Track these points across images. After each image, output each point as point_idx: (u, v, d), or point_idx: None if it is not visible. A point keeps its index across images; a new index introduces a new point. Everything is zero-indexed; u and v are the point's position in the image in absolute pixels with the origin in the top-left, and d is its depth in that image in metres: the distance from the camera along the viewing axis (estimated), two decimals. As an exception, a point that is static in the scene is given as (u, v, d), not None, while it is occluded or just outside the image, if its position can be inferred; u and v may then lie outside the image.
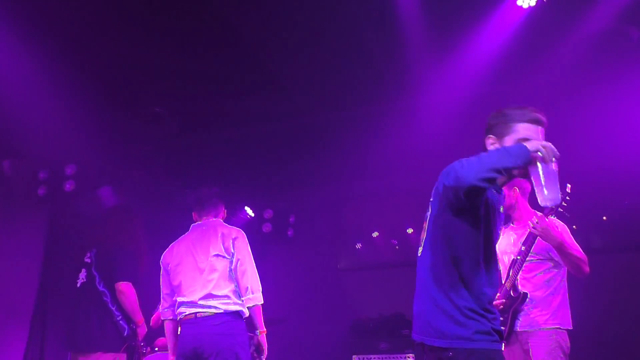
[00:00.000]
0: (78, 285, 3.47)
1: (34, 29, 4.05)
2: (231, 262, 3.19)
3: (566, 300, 3.27)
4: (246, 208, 6.64)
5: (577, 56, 4.26)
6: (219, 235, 3.24)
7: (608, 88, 4.65)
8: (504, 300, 3.22)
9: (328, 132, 5.57)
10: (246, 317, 3.22)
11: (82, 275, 3.47)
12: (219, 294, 3.12)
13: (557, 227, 3.22)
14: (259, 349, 3.18)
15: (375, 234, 6.83)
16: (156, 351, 5.26)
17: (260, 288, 3.19)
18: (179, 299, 3.21)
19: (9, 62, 4.20)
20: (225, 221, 3.55)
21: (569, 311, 3.25)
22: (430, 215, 2.16)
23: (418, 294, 2.14)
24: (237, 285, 3.17)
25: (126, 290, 3.34)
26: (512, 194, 3.41)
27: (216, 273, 3.16)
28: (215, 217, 3.46)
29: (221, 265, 3.18)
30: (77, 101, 4.69)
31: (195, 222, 3.48)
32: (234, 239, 3.23)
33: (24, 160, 5.30)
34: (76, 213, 5.37)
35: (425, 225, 2.20)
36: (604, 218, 6.03)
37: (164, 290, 3.34)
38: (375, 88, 4.85)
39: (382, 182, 6.54)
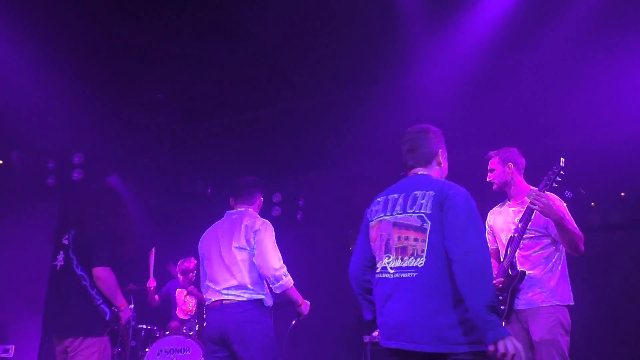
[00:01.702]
0: (57, 268, 3.30)
1: (36, 22, 4.07)
2: (252, 254, 3.23)
3: (565, 276, 3.18)
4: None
5: (586, 25, 4.09)
6: (242, 227, 3.28)
7: (622, 57, 4.49)
8: (502, 279, 3.17)
9: (335, 115, 5.52)
10: (271, 306, 3.32)
11: (60, 257, 3.30)
12: (242, 284, 3.19)
13: (554, 202, 3.09)
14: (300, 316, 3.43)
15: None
16: (167, 334, 5.37)
17: (285, 271, 3.24)
18: (207, 284, 3.33)
19: (14, 55, 4.22)
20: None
21: (569, 287, 3.16)
22: (430, 228, 2.20)
23: (412, 300, 2.16)
24: (261, 275, 3.22)
25: (103, 276, 3.17)
26: (507, 170, 3.31)
27: (237, 264, 3.22)
28: (249, 205, 3.49)
29: (243, 256, 3.24)
30: (81, 91, 4.72)
31: (230, 209, 3.55)
32: (256, 231, 3.25)
33: (33, 151, 5.35)
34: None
35: (413, 237, 2.23)
36: (622, 194, 5.92)
37: (201, 278, 3.45)
38: (380, 68, 4.77)
39: (392, 164, 6.47)
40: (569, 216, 3.09)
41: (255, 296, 3.20)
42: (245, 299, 3.17)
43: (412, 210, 2.25)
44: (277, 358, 3.20)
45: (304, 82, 5.01)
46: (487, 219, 3.51)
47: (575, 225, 3.08)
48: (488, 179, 3.39)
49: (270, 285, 3.23)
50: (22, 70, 4.35)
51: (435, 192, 2.24)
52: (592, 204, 6.14)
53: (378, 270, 2.34)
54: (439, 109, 5.01)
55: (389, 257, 2.28)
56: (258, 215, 3.46)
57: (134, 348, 5.51)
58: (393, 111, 5.20)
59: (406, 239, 2.23)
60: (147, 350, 5.14)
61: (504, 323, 3.08)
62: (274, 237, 3.31)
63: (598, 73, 4.63)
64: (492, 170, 3.38)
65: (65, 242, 3.29)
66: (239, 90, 5.10)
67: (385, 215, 2.35)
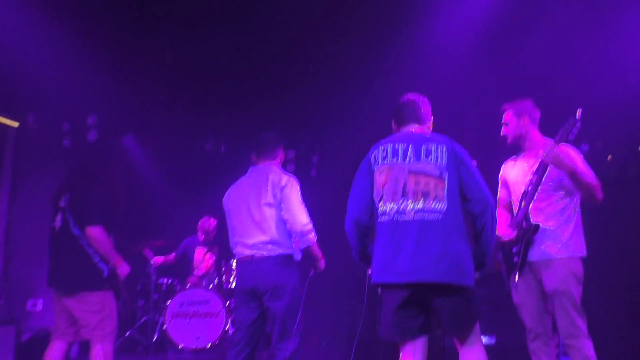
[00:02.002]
0: (56, 229, 3.36)
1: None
2: (280, 208, 3.29)
3: (579, 227, 3.16)
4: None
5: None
6: (269, 183, 3.33)
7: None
8: (516, 231, 3.19)
9: (349, 70, 5.43)
10: (299, 260, 3.42)
11: (58, 219, 3.35)
12: (272, 240, 3.28)
13: (568, 153, 3.08)
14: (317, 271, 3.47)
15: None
16: (188, 287, 5.56)
17: (311, 227, 3.30)
18: (237, 239, 3.41)
19: (27, 19, 4.19)
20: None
21: (583, 239, 3.15)
22: (448, 177, 2.49)
23: (440, 237, 2.43)
24: (289, 230, 3.30)
25: (96, 235, 3.20)
26: (522, 122, 3.26)
27: (267, 220, 3.30)
28: (272, 160, 3.52)
29: (271, 212, 3.31)
30: (94, 53, 4.70)
31: (253, 165, 3.58)
32: (283, 187, 3.30)
33: (48, 114, 5.39)
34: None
35: (433, 183, 2.48)
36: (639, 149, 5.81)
37: (229, 233, 3.52)
38: (394, 22, 4.65)
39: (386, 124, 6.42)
40: (581, 167, 3.05)
41: (286, 251, 3.31)
42: (276, 254, 3.28)
43: (428, 160, 2.51)
44: (301, 309, 3.32)
45: (318, 36, 4.90)
46: (501, 171, 3.49)
47: (592, 174, 3.05)
48: (502, 133, 3.35)
49: (297, 240, 3.30)
50: (36, 34, 4.34)
51: (447, 146, 2.54)
52: (610, 156, 6.07)
53: (387, 212, 2.49)
54: (453, 63, 4.95)
55: (407, 200, 2.46)
56: (283, 171, 3.49)
57: (157, 301, 5.73)
58: (407, 66, 5.11)
59: (426, 184, 2.47)
60: (168, 302, 5.36)
61: (517, 274, 3.21)
62: (300, 193, 3.36)
63: (619, 21, 4.48)
64: (506, 124, 3.33)
65: (62, 204, 3.34)
66: (251, 45, 5.03)
67: (397, 161, 2.53)
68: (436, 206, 2.44)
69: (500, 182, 3.51)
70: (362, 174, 2.64)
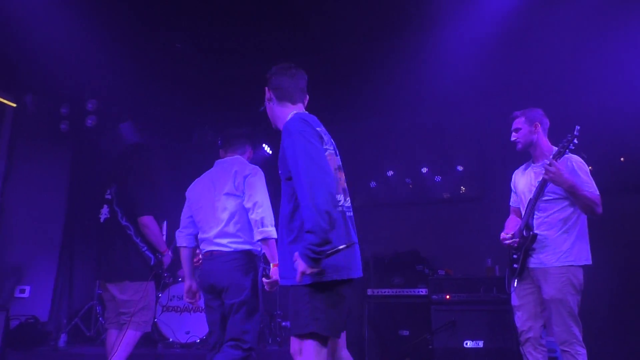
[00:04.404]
0: (102, 220, 3.59)
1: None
2: (243, 199, 3.14)
3: (583, 236, 3.25)
4: (264, 145, 6.67)
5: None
6: (232, 173, 3.20)
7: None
8: (517, 239, 3.32)
9: (342, 68, 5.44)
10: (260, 254, 3.24)
11: (105, 211, 3.59)
12: (230, 232, 3.13)
13: (569, 167, 3.21)
14: (271, 283, 3.00)
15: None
16: (180, 281, 5.51)
17: (272, 222, 3.07)
18: (200, 235, 3.29)
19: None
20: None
21: (587, 247, 3.24)
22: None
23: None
24: (250, 221, 3.11)
25: (148, 223, 3.46)
26: (534, 129, 3.36)
27: (227, 212, 3.15)
28: (240, 155, 3.44)
29: (232, 203, 3.16)
30: (96, 37, 4.63)
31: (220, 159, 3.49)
32: (246, 176, 3.17)
33: (46, 96, 5.29)
34: (98, 148, 5.42)
35: (344, 179, 2.44)
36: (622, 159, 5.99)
37: (182, 220, 3.38)
38: (408, 21, 4.70)
39: (396, 120, 6.50)
40: (580, 182, 3.16)
41: (243, 246, 3.13)
42: (232, 248, 3.12)
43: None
44: (259, 309, 3.13)
45: (326, 33, 4.91)
46: (512, 179, 3.61)
47: (592, 188, 3.17)
48: (512, 139, 3.44)
49: (255, 229, 3.06)
50: (37, 14, 4.24)
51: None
52: (590, 167, 6.21)
53: (341, 203, 2.33)
54: (453, 70, 5.04)
55: (342, 194, 2.37)
56: (248, 162, 3.38)
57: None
58: (418, 65, 5.15)
59: (344, 180, 2.43)
60: (159, 295, 5.30)
61: (516, 279, 3.33)
62: (264, 184, 3.21)
63: (610, 37, 4.65)
64: (517, 130, 3.42)
65: (108, 196, 3.52)
66: (253, 41, 5.03)
67: (333, 149, 2.43)
68: (350, 203, 2.42)
69: (512, 188, 3.63)
70: (317, 140, 2.28)
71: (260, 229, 3.02)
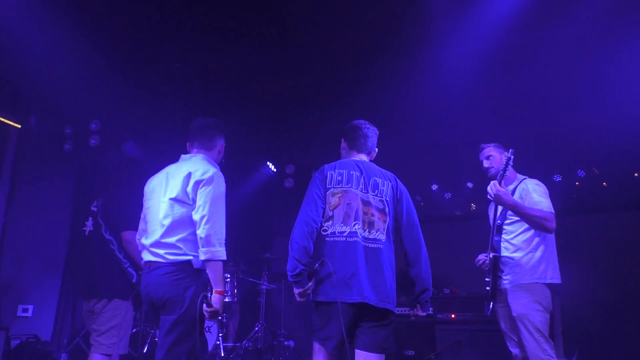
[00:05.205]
0: (87, 233, 3.45)
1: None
2: (192, 207, 2.64)
3: (549, 255, 3.32)
4: (268, 163, 6.68)
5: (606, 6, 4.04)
6: (185, 175, 2.67)
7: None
8: (487, 262, 3.48)
9: (348, 88, 5.49)
10: (199, 267, 2.69)
11: (89, 223, 3.45)
12: (167, 243, 2.66)
13: (524, 190, 3.40)
14: (212, 312, 2.59)
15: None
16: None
17: (222, 241, 2.62)
18: (142, 241, 2.83)
19: (33, 21, 4.20)
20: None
21: (554, 266, 3.32)
22: (388, 212, 2.78)
23: (382, 266, 2.68)
24: (196, 234, 2.63)
25: (131, 239, 3.21)
26: (506, 155, 3.41)
27: (169, 219, 2.67)
28: (207, 151, 2.89)
29: (178, 210, 2.67)
30: (99, 59, 4.71)
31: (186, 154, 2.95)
32: (198, 182, 2.64)
33: (50, 117, 5.38)
34: (102, 167, 5.47)
35: (377, 215, 2.74)
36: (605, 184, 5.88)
37: (140, 221, 2.95)
38: (401, 42, 4.71)
39: (404, 138, 6.46)
40: (533, 200, 3.32)
41: (181, 258, 2.65)
42: (166, 261, 2.64)
43: (375, 194, 2.78)
44: (197, 330, 2.58)
45: (320, 55, 4.96)
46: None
47: (544, 205, 3.28)
48: (485, 166, 3.63)
49: (200, 249, 2.61)
50: (42, 37, 4.34)
51: (391, 183, 2.84)
52: (605, 183, 6.10)
53: (337, 233, 2.67)
54: (454, 88, 5.03)
55: (358, 225, 2.68)
56: (210, 163, 2.85)
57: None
58: (409, 86, 5.17)
59: (372, 215, 2.72)
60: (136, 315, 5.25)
61: (491, 302, 3.46)
62: (222, 193, 2.70)
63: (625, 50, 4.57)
64: (489, 157, 3.62)
65: (94, 209, 3.45)
66: (254, 62, 5.06)
67: (351, 187, 2.75)
68: (378, 236, 2.69)
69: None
70: (317, 184, 2.77)
71: (205, 249, 2.57)
